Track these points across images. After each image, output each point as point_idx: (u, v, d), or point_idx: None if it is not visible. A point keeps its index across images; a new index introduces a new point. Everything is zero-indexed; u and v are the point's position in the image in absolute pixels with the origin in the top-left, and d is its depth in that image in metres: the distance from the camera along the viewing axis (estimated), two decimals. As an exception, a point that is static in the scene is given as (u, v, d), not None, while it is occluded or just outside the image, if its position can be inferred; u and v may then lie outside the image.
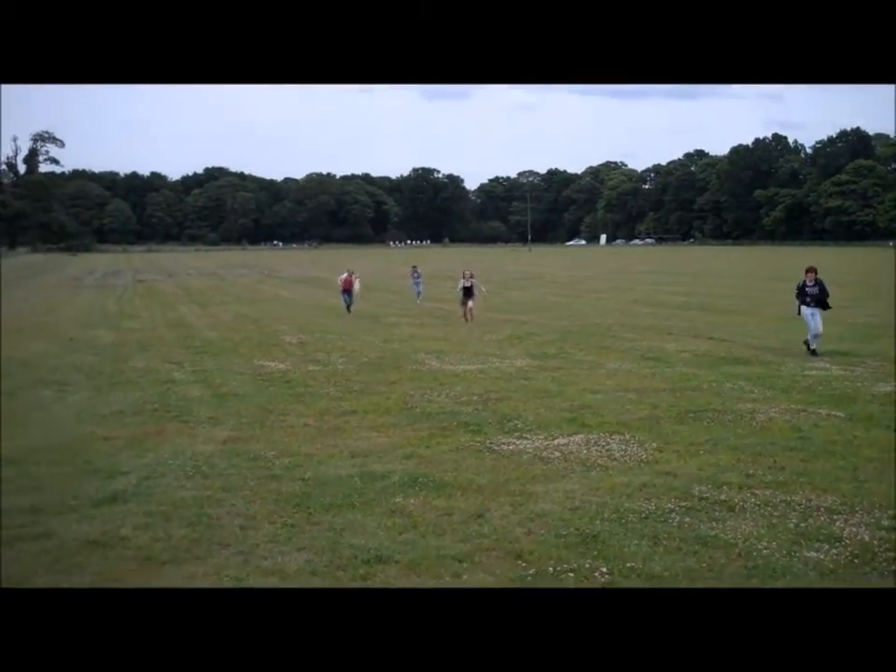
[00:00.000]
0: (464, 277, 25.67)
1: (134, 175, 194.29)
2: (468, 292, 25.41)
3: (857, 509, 7.75)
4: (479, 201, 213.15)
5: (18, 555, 6.82)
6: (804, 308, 18.39)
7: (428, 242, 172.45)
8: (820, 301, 18.26)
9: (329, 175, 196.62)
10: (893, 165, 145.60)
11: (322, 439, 10.77)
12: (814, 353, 17.87)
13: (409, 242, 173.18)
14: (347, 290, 29.79)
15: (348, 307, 29.41)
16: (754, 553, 6.69)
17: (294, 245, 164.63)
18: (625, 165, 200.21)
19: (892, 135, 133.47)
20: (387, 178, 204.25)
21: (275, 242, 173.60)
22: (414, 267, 34.62)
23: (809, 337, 18.26)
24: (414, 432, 11.06)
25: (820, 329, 18.15)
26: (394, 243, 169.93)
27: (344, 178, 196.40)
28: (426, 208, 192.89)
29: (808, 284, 18.46)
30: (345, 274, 30.23)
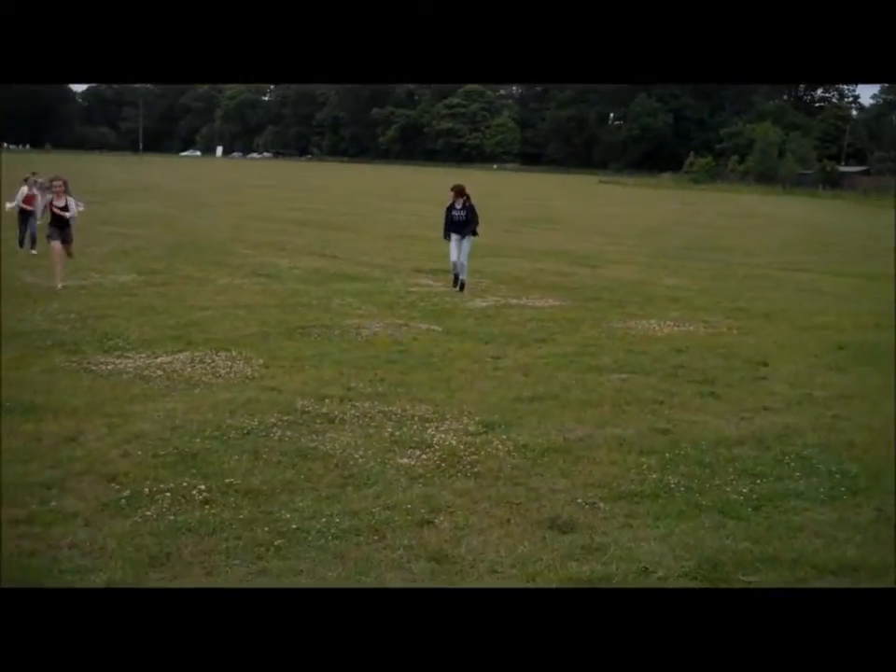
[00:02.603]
0: (47, 189, 16.29)
1: None
2: (58, 220, 14.84)
3: (447, 416, 8.28)
4: (86, 104, 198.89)
5: None
6: (452, 235, 15.99)
7: (28, 146, 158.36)
8: (468, 228, 15.93)
9: None
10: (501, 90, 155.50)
11: None
12: (461, 287, 16.00)
13: (5, 146, 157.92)
14: (28, 214, 18.70)
15: (32, 241, 19.13)
16: (350, 463, 6.94)
17: None
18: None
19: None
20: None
21: None
22: (34, 173, 20.85)
23: (452, 268, 16.24)
24: (2, 354, 10.20)
25: (465, 259, 15.96)
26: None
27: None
28: (23, 108, 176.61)
29: (456, 207, 16.06)
30: (25, 187, 19.32)
